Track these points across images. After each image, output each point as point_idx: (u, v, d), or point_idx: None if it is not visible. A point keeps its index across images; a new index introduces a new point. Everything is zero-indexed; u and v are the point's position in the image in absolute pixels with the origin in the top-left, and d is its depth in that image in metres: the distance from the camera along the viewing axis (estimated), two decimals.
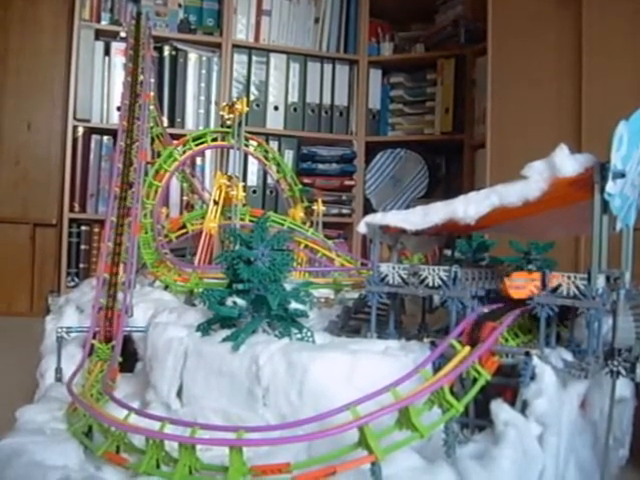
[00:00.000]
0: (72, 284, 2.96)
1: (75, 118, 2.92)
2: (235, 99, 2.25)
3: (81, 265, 3.01)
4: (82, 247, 3.01)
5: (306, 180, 3.13)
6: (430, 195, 3.31)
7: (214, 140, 2.18)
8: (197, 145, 2.12)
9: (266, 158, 2.33)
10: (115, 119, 2.86)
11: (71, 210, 2.94)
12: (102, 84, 2.97)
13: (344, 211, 3.31)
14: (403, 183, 3.38)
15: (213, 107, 3.11)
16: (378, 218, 1.33)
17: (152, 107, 2.23)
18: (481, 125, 2.91)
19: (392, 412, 0.96)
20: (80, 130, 2.94)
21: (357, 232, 3.14)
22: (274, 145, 3.13)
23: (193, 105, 3.10)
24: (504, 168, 2.37)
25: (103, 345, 1.50)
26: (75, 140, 2.94)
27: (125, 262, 1.67)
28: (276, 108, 3.20)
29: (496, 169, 2.48)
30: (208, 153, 3.07)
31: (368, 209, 3.36)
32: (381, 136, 3.39)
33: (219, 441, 0.99)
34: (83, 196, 2.97)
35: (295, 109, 3.22)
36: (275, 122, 3.20)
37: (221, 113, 2.23)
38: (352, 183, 3.31)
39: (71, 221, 2.96)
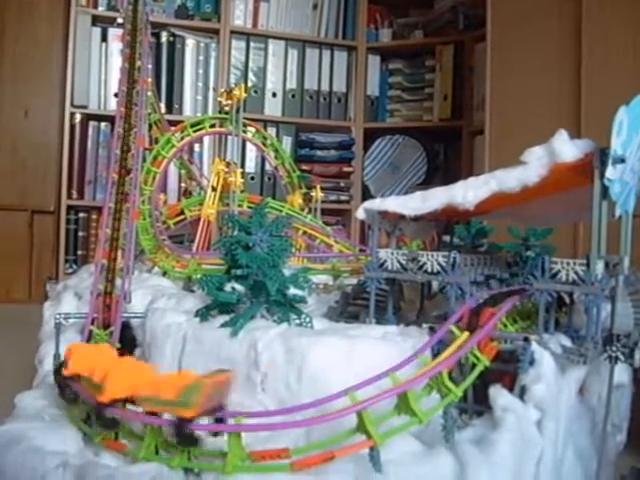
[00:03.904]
0: (70, 271, 2.96)
1: (72, 105, 2.91)
2: (233, 85, 2.24)
3: (79, 252, 3.02)
4: (80, 234, 3.01)
5: (304, 167, 3.13)
6: (429, 181, 3.31)
7: (212, 126, 2.17)
8: (195, 131, 2.10)
9: (264, 144, 2.32)
10: (113, 105, 2.85)
11: (69, 197, 2.94)
12: (99, 70, 2.95)
13: (342, 198, 3.31)
14: (402, 170, 3.37)
15: (211, 93, 3.10)
16: (377, 204, 1.33)
17: (150, 93, 2.22)
18: (480, 111, 2.89)
19: (391, 397, 0.96)
20: (77, 117, 2.93)
21: (355, 219, 3.16)
22: (272, 132, 3.12)
23: (191, 91, 3.09)
24: (503, 154, 2.37)
25: (101, 331, 1.50)
26: (72, 127, 2.93)
27: (123, 248, 1.67)
28: (274, 94, 3.19)
29: (495, 155, 2.48)
30: (206, 139, 3.07)
31: (366, 196, 3.36)
32: (379, 122, 3.38)
33: (218, 426, 0.99)
34: (81, 183, 2.96)
35: (293, 95, 3.21)
36: (273, 108, 3.20)
37: (219, 99, 2.22)
38: (350, 170, 3.31)
39: (69, 208, 2.96)
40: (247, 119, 2.29)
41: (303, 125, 3.24)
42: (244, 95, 2.09)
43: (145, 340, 1.38)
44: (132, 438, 1.07)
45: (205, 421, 1.01)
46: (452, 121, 3.18)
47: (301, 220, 2.14)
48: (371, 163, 3.40)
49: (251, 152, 3.14)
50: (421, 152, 3.34)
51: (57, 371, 1.27)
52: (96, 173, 2.97)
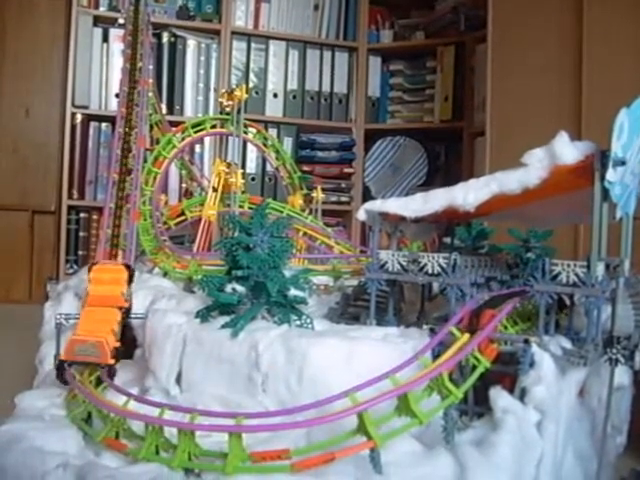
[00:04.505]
0: (71, 271, 2.96)
1: (74, 105, 2.91)
2: (234, 86, 2.24)
3: (80, 252, 3.02)
4: (81, 234, 3.01)
5: (305, 168, 3.15)
6: (429, 183, 3.31)
7: (213, 127, 2.17)
8: (196, 132, 2.10)
9: (265, 145, 2.32)
10: (114, 106, 2.85)
11: (70, 197, 2.94)
12: (100, 71, 2.95)
13: (343, 199, 3.32)
14: (402, 171, 3.37)
15: (212, 94, 3.10)
16: (377, 205, 1.33)
17: (151, 94, 2.22)
18: (481, 113, 2.90)
19: (391, 399, 0.96)
20: (78, 117, 2.93)
21: (356, 220, 3.16)
22: (273, 132, 3.12)
23: (192, 92, 3.09)
24: (504, 156, 2.37)
25: None
26: (73, 127, 2.93)
27: (124, 249, 1.67)
28: (275, 95, 3.19)
29: (496, 157, 2.48)
30: (207, 140, 3.07)
31: (367, 197, 3.36)
32: (380, 124, 3.38)
33: (218, 427, 0.99)
34: (82, 183, 2.96)
35: (294, 96, 3.21)
36: (274, 109, 3.20)
37: (220, 100, 2.21)
38: (351, 171, 3.31)
39: (70, 208, 2.96)
40: (248, 119, 2.29)
41: (304, 126, 3.24)
42: (245, 96, 2.09)
43: (145, 340, 1.38)
44: (133, 438, 1.08)
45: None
46: (453, 122, 3.18)
47: (301, 221, 2.14)
48: (372, 164, 3.40)
49: (252, 153, 3.14)
50: (422, 153, 3.34)
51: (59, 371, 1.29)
52: (97, 173, 2.97)
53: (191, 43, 3.09)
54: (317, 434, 1.02)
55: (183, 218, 2.19)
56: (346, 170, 3.30)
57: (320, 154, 3.25)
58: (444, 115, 3.20)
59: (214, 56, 3.12)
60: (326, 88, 3.27)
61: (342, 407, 0.95)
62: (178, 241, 2.25)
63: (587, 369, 1.11)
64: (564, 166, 1.13)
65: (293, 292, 1.31)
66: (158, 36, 3.03)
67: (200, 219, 2.03)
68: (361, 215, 1.36)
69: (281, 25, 3.21)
